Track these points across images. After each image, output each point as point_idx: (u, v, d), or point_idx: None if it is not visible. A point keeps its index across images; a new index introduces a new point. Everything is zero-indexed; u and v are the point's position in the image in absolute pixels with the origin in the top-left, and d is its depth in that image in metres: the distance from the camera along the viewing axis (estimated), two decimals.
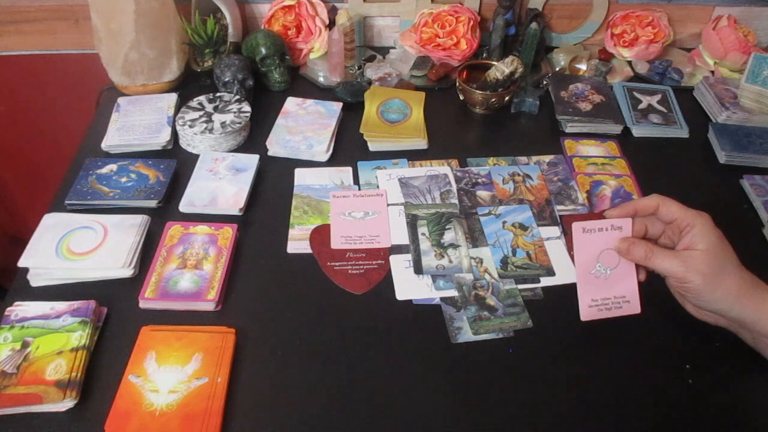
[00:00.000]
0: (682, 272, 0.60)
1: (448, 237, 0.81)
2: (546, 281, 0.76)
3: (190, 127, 0.94)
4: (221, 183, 0.87)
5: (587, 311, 0.67)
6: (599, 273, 0.67)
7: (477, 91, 1.01)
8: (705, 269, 0.59)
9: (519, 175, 0.92)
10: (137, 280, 0.74)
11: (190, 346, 0.67)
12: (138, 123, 0.97)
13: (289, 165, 0.93)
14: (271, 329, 0.71)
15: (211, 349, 0.66)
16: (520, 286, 0.76)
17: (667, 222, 0.64)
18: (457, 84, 1.05)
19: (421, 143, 0.98)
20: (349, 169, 0.93)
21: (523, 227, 0.83)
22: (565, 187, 0.90)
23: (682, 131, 1.02)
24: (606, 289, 0.67)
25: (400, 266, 0.78)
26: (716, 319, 0.65)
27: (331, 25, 1.14)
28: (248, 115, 0.97)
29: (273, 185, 0.90)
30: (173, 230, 0.80)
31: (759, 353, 0.64)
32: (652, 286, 0.67)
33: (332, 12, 1.15)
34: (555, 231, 0.83)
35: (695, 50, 1.20)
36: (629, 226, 0.65)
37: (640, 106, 1.05)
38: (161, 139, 0.95)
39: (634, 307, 0.68)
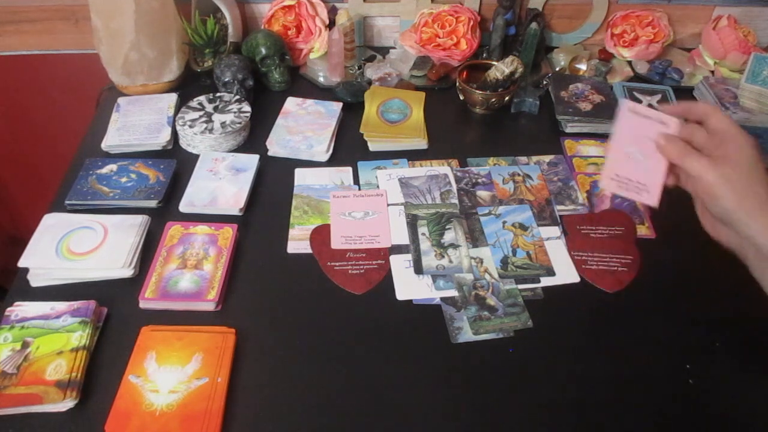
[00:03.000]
0: (711, 176, 0.59)
1: (448, 237, 0.81)
2: (546, 281, 0.76)
3: (190, 127, 0.94)
4: (221, 183, 0.87)
5: (608, 182, 0.65)
6: (632, 154, 0.65)
7: (477, 91, 1.01)
8: (733, 176, 0.58)
9: (519, 175, 0.92)
10: (137, 280, 0.74)
11: (190, 346, 0.67)
12: (138, 123, 0.97)
13: (289, 165, 0.93)
14: (271, 329, 0.71)
15: (211, 349, 0.66)
16: (520, 286, 0.76)
17: (714, 132, 0.62)
18: (457, 84, 1.05)
19: (421, 143, 0.98)
20: (349, 169, 0.93)
21: (523, 227, 0.83)
22: (565, 187, 0.90)
23: None
24: (633, 171, 0.65)
25: (400, 266, 0.78)
26: (728, 237, 0.63)
27: (331, 25, 1.14)
28: (248, 115, 0.97)
29: (273, 185, 0.90)
30: (173, 230, 0.80)
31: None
32: (653, 286, 0.67)
33: (332, 12, 1.15)
34: (555, 231, 0.83)
35: (695, 50, 1.20)
36: (676, 126, 0.64)
37: None
38: (161, 139, 0.95)
39: (653, 197, 0.65)
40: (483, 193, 0.89)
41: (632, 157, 0.65)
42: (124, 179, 0.87)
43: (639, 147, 0.65)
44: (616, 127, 0.66)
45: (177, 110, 1.00)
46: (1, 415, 0.61)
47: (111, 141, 0.94)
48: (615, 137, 0.66)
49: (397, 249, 0.80)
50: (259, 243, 0.81)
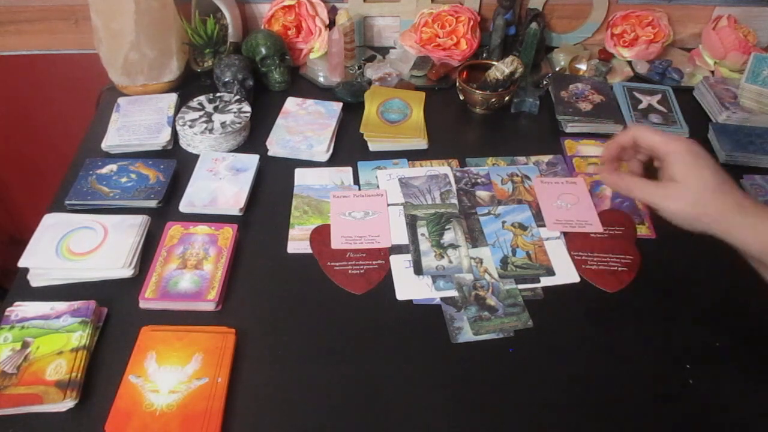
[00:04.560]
0: (661, 206, 0.61)
1: (448, 237, 0.81)
2: (546, 281, 0.76)
3: (190, 127, 0.94)
4: (221, 183, 0.87)
5: (553, 226, 0.83)
6: (560, 205, 0.85)
7: (477, 91, 1.01)
8: (681, 202, 0.60)
9: (518, 175, 0.92)
10: (137, 281, 0.74)
11: (190, 347, 0.67)
12: (138, 123, 0.97)
13: (289, 165, 0.93)
14: (271, 329, 0.71)
15: (211, 349, 0.66)
16: (520, 286, 0.76)
17: (647, 151, 0.65)
18: (457, 84, 1.05)
19: (421, 143, 0.98)
20: (349, 169, 0.93)
21: (522, 227, 0.83)
22: None
23: (682, 131, 1.02)
24: (568, 215, 0.84)
25: (400, 266, 0.78)
26: None
27: (331, 25, 1.14)
28: (248, 115, 0.97)
29: (273, 185, 0.90)
30: (173, 230, 0.80)
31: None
32: (653, 286, 0.67)
33: (332, 12, 1.15)
34: (555, 231, 0.83)
35: (695, 50, 1.20)
36: (582, 182, 0.88)
37: (640, 106, 1.05)
38: (161, 139, 0.95)
39: (596, 227, 0.83)
40: (482, 193, 0.89)
41: (561, 207, 0.85)
42: (124, 179, 0.87)
43: (562, 200, 0.86)
44: (537, 192, 0.88)
45: (177, 110, 0.99)
46: (1, 415, 0.61)
47: (111, 141, 0.94)
48: (540, 198, 0.87)
49: (397, 249, 0.80)
50: (259, 243, 0.81)
